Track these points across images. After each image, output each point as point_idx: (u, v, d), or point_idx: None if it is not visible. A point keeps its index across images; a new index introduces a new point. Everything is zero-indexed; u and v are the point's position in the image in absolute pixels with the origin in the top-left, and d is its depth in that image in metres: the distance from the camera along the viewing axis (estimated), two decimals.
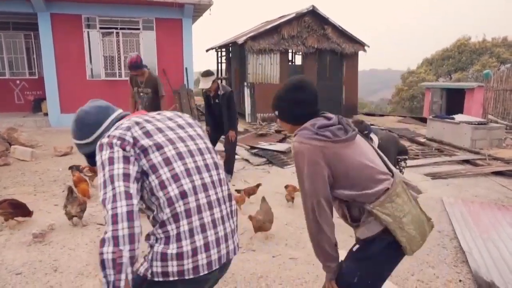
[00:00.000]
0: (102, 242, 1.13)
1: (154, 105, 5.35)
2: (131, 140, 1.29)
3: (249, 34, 12.50)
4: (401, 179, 1.66)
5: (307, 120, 1.63)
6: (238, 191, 4.22)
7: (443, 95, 13.69)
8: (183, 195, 1.30)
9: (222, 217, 1.40)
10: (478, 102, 12.78)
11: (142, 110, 5.34)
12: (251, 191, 4.26)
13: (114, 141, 1.27)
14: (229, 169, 5.36)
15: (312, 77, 13.01)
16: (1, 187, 4.84)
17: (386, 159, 1.73)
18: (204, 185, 1.37)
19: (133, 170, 1.24)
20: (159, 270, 1.26)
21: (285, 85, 1.70)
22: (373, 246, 1.56)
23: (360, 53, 13.61)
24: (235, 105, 5.28)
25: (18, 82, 11.46)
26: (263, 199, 3.64)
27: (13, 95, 11.47)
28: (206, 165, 1.42)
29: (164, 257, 1.26)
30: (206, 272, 1.31)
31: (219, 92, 5.11)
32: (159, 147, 1.32)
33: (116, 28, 10.30)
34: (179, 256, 1.25)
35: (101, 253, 1.12)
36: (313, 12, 12.52)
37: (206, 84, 4.96)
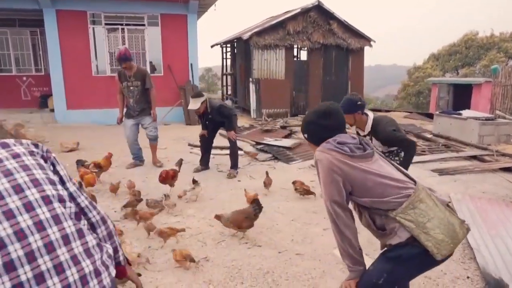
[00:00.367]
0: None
1: (145, 97, 5.45)
2: None
3: (254, 29, 12.46)
4: (424, 186, 1.71)
5: None
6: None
7: (450, 90, 13.57)
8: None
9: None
10: (486, 97, 12.64)
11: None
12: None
13: None
14: (234, 164, 5.40)
15: (317, 73, 12.97)
16: None
17: (406, 171, 1.81)
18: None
19: None
20: None
21: (314, 111, 1.88)
22: (404, 251, 1.59)
23: (366, 48, 13.52)
24: (229, 110, 5.36)
25: (24, 78, 11.53)
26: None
27: (20, 92, 11.55)
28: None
29: None
30: None
31: (208, 110, 5.24)
32: None
33: (121, 24, 10.31)
34: None
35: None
36: (318, 7, 12.43)
37: (194, 105, 5.14)
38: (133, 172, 5.35)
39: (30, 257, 0.94)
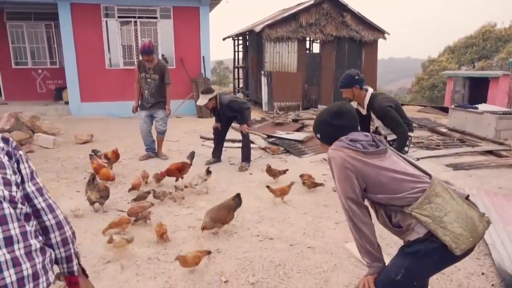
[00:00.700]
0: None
1: (160, 91, 5.53)
2: None
3: (267, 22, 12.37)
4: (440, 180, 1.68)
5: None
6: (268, 187, 4.09)
7: (466, 84, 13.29)
8: None
9: None
10: (503, 91, 12.34)
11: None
12: (283, 191, 4.05)
13: None
14: (246, 157, 5.42)
15: (330, 66, 12.84)
16: None
17: (420, 166, 1.79)
18: None
19: None
20: None
21: (327, 111, 1.88)
22: (422, 246, 1.57)
23: (380, 41, 13.31)
24: (240, 104, 5.36)
25: (40, 71, 11.70)
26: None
27: (36, 84, 11.73)
28: None
29: None
30: None
31: (218, 107, 5.25)
32: None
33: (134, 17, 10.35)
34: None
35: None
36: None
37: (202, 101, 5.16)
38: (146, 164, 5.40)
39: None
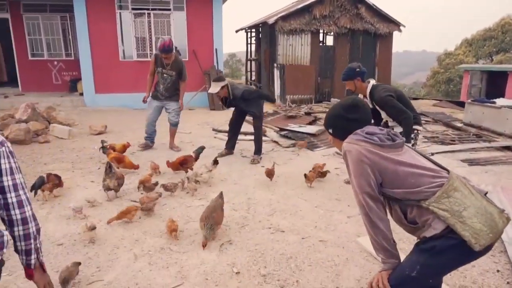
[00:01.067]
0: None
1: (175, 86, 5.63)
2: None
3: (280, 14, 12.25)
4: (458, 175, 1.65)
5: None
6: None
7: (483, 78, 12.99)
8: None
9: None
10: None
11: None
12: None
13: None
14: (258, 149, 5.41)
15: (344, 59, 12.68)
16: (42, 163, 5.09)
17: (437, 162, 1.75)
18: None
19: None
20: None
21: (340, 105, 1.84)
22: (438, 242, 1.53)
23: (395, 33, 13.07)
24: (255, 93, 5.37)
25: (55, 63, 11.86)
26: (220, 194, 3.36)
27: (51, 76, 11.90)
28: None
29: None
30: None
31: (230, 97, 5.19)
32: None
33: (148, 9, 10.38)
34: None
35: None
36: None
37: (214, 89, 5.10)
38: (158, 155, 5.45)
39: None
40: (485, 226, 1.49)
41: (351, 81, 3.71)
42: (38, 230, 1.43)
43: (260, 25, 14.01)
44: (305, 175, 4.26)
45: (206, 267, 2.66)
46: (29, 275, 1.48)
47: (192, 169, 4.52)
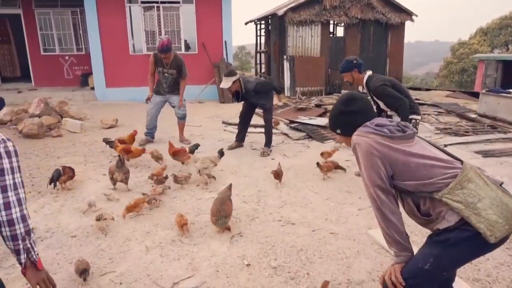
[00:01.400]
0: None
1: (177, 83, 5.71)
2: None
3: (290, 5, 12.12)
4: (473, 166, 1.60)
5: None
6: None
7: (499, 67, 12.68)
8: None
9: None
10: None
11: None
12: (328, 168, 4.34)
13: None
14: (268, 142, 5.40)
15: (354, 50, 12.50)
16: (55, 156, 5.17)
17: (451, 153, 1.71)
18: None
19: None
20: None
21: (338, 102, 1.83)
22: (452, 234, 1.50)
23: (407, 23, 12.81)
24: (268, 85, 5.52)
25: (67, 58, 11.97)
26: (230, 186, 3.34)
27: (63, 70, 12.03)
28: None
29: None
30: None
31: (243, 91, 5.17)
32: None
33: (157, 2, 10.37)
34: None
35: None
36: None
37: (226, 84, 5.09)
38: (164, 148, 5.46)
39: None
40: (500, 217, 1.45)
41: (349, 73, 3.88)
42: (27, 231, 1.42)
43: (270, 17, 13.89)
44: (317, 163, 4.27)
45: (216, 259, 2.67)
46: (22, 272, 1.52)
47: (183, 162, 4.54)
